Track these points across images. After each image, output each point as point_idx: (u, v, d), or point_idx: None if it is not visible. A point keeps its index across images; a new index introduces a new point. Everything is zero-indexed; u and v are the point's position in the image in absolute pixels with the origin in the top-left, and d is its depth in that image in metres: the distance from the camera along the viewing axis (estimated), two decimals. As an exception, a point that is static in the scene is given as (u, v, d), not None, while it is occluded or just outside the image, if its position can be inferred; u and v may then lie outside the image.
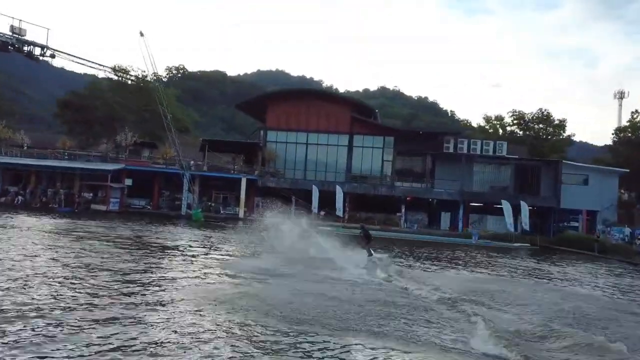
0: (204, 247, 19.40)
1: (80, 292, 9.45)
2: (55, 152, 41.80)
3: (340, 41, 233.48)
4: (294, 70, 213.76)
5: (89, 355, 6.16)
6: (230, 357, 6.46)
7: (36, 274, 10.90)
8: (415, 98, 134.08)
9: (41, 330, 6.92)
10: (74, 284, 10.26)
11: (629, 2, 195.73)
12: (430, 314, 9.47)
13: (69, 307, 8.25)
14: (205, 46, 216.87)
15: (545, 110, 61.82)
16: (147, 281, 11.19)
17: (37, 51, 32.93)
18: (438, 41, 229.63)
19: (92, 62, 50.33)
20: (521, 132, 62.97)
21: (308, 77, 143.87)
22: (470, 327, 8.55)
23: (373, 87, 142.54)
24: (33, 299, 8.61)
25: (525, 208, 36.16)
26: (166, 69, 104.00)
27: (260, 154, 43.69)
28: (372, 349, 7.26)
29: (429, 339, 7.83)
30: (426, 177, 42.78)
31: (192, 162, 41.50)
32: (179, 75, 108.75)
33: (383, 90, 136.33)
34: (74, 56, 37.53)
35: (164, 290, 10.29)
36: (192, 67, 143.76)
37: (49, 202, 37.84)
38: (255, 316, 8.41)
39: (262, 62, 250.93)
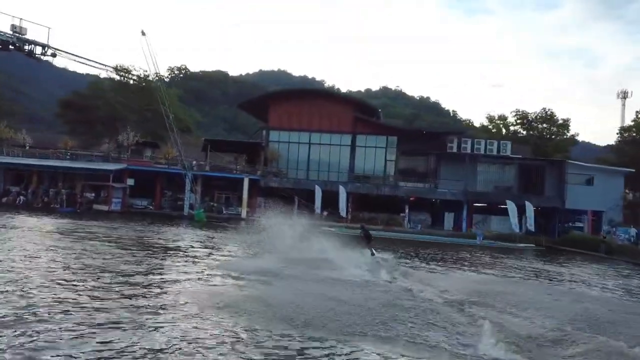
0: (206, 248, 19.23)
1: (81, 295, 9.27)
2: (57, 152, 41.63)
3: (341, 41, 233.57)
4: (296, 71, 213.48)
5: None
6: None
7: (36, 275, 10.72)
8: (418, 98, 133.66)
9: (40, 335, 6.73)
10: (75, 286, 10.08)
11: (629, 2, 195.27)
12: (438, 317, 9.24)
13: (69, 311, 8.05)
14: (207, 46, 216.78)
15: (548, 109, 61.38)
16: (149, 283, 11.00)
17: (38, 50, 32.66)
18: (438, 41, 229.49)
19: (94, 62, 50.12)
20: (524, 132, 62.58)
21: (310, 77, 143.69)
22: (479, 331, 8.32)
23: (375, 87, 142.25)
24: (33, 302, 8.43)
25: (530, 208, 35.83)
26: (168, 69, 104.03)
27: (262, 153, 43.44)
28: (380, 354, 7.06)
29: (439, 344, 7.62)
30: (429, 177, 42.50)
31: (194, 162, 41.32)
32: (181, 75, 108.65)
33: (385, 90, 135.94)
34: (76, 55, 37.44)
35: (166, 293, 10.11)
36: (194, 67, 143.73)
37: (51, 202, 37.65)
38: (260, 320, 8.20)
39: (264, 62, 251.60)
